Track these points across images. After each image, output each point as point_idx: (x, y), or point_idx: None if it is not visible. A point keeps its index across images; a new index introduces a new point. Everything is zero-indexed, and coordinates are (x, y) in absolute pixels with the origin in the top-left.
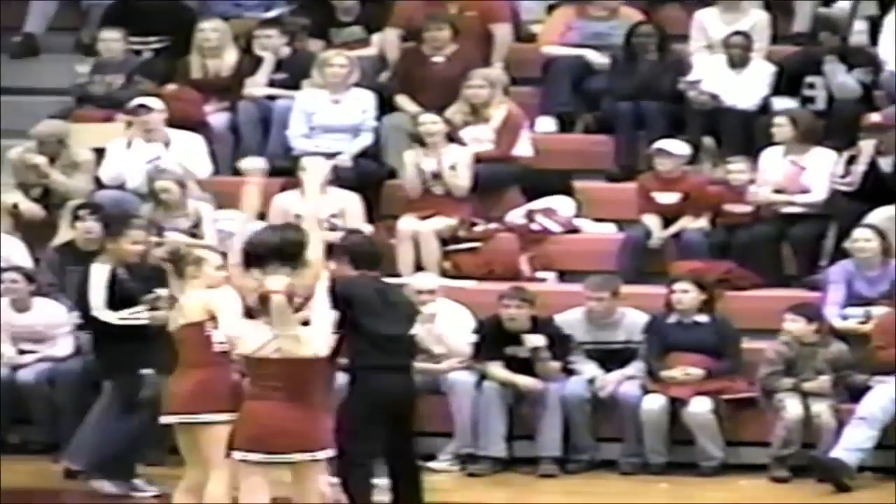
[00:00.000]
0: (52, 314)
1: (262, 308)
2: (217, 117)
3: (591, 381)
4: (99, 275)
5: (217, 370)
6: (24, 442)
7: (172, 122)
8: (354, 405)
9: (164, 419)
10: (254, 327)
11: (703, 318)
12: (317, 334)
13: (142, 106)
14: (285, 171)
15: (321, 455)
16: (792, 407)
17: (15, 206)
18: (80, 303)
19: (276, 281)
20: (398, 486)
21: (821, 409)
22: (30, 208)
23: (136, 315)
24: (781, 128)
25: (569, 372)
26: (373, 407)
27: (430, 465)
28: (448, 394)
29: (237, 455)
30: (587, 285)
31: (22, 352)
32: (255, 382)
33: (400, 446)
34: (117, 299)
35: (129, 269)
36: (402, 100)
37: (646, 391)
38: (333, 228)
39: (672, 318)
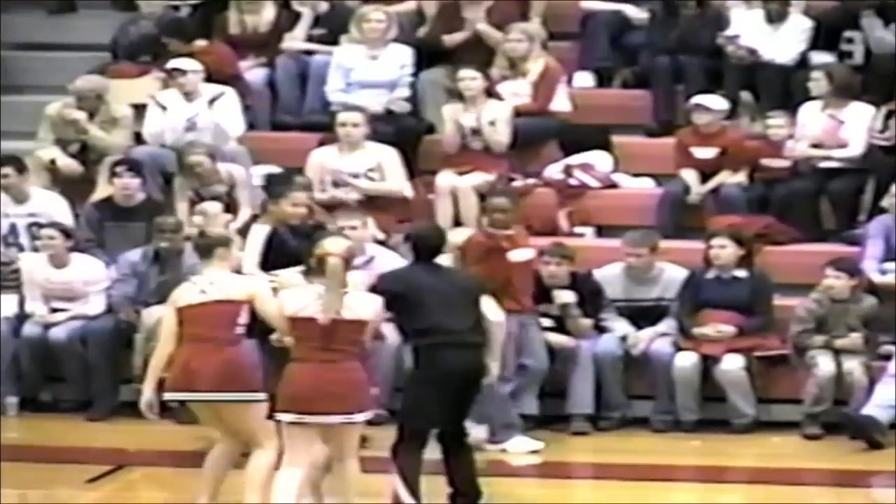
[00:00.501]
0: (89, 271)
1: (318, 269)
2: (255, 73)
3: (624, 339)
4: (257, 235)
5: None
6: (56, 400)
7: (206, 78)
8: (419, 380)
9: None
10: (301, 290)
11: (741, 273)
12: (362, 298)
13: (176, 69)
14: (323, 126)
15: (361, 417)
16: (824, 364)
17: (52, 161)
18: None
19: (337, 243)
20: (450, 461)
21: (852, 366)
22: (67, 164)
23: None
24: (818, 82)
25: (601, 329)
26: (437, 384)
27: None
28: None
29: (282, 416)
30: (626, 241)
31: (54, 310)
32: (299, 344)
33: (455, 422)
34: (278, 260)
35: (290, 229)
36: None
37: (678, 348)
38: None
39: (710, 274)
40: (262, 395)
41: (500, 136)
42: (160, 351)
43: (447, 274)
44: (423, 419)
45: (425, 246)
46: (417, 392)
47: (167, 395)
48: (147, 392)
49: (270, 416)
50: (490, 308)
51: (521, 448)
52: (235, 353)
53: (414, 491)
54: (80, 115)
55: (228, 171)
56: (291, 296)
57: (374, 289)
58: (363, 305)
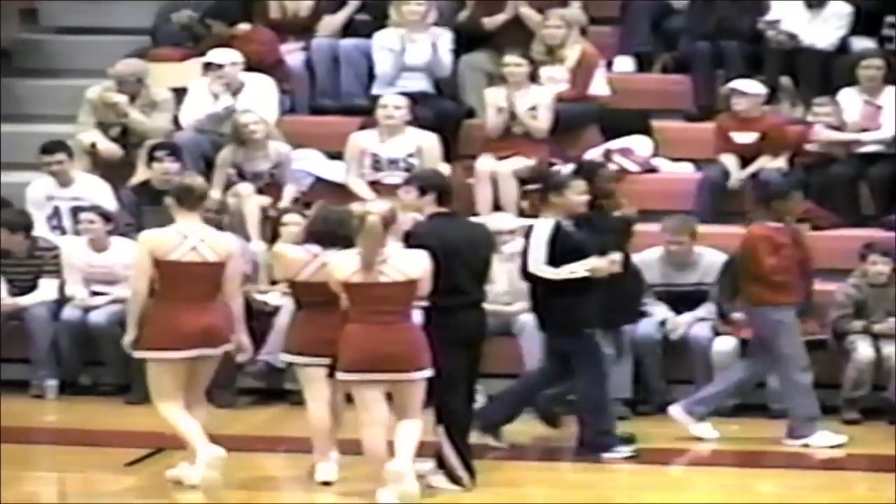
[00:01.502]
0: (129, 254)
1: (360, 229)
2: (294, 57)
3: (662, 324)
4: (543, 229)
5: None
6: (95, 383)
7: (247, 64)
8: (437, 339)
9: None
10: (350, 254)
11: None
12: (410, 257)
13: (211, 64)
14: (361, 110)
15: (420, 375)
16: (863, 349)
17: (93, 145)
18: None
19: (378, 204)
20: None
21: (891, 351)
22: (108, 147)
23: (578, 270)
24: (878, 70)
25: (640, 314)
26: (452, 342)
27: None
28: (518, 336)
29: (347, 377)
30: (666, 227)
31: (94, 294)
32: (355, 308)
33: (470, 383)
34: (564, 253)
35: (575, 221)
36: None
37: (717, 333)
38: (409, 168)
39: None
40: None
41: (541, 122)
42: (141, 296)
43: (469, 228)
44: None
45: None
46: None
47: (159, 355)
48: (131, 334)
49: (331, 376)
50: None
51: (824, 442)
52: (221, 309)
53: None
54: (121, 99)
55: (276, 148)
56: (343, 261)
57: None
58: (412, 264)
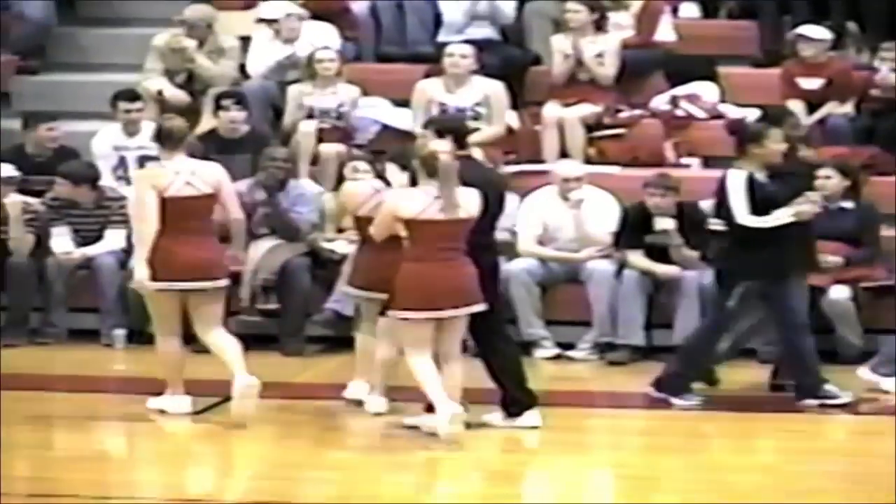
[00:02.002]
0: None
1: (427, 168)
2: (359, 4)
3: None
4: (737, 180)
5: None
6: None
7: (313, 12)
8: None
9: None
10: (416, 192)
11: (848, 203)
12: (469, 195)
13: (273, 20)
14: (427, 57)
15: (476, 309)
16: None
17: (160, 92)
18: (719, 209)
19: (442, 143)
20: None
21: None
22: (175, 94)
23: (784, 217)
24: None
25: (708, 260)
26: None
27: (570, 353)
28: (587, 283)
29: (405, 315)
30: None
31: None
32: (418, 245)
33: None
34: (759, 202)
35: (770, 171)
36: None
37: None
38: (477, 117)
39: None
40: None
41: (608, 69)
42: (150, 231)
43: (485, 172)
44: None
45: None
46: None
47: (160, 285)
48: (143, 271)
49: (383, 314)
50: None
51: None
52: (216, 244)
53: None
54: (190, 44)
55: (346, 90)
56: (408, 199)
57: None
58: (472, 202)
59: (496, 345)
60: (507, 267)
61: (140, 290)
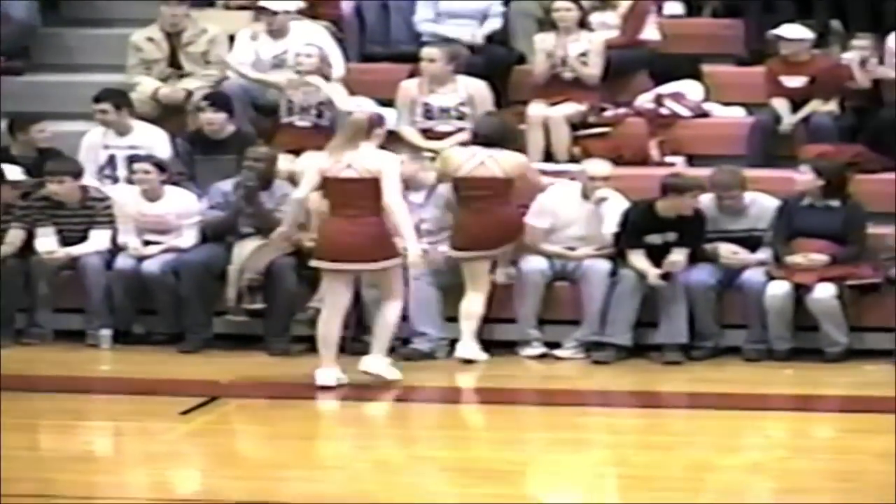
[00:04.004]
0: (182, 204)
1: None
2: (344, 4)
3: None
4: None
5: None
6: (149, 332)
7: (307, 13)
8: None
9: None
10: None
11: (834, 202)
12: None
13: (264, 9)
14: (412, 56)
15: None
16: None
17: (155, 92)
18: None
19: None
20: None
21: None
22: (167, 94)
23: None
24: None
25: (700, 259)
26: None
27: (556, 352)
28: (581, 281)
29: (465, 255)
30: (715, 184)
31: (147, 243)
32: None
33: None
34: None
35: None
36: None
37: (770, 277)
38: (462, 117)
39: (804, 202)
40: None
41: (592, 68)
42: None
43: None
44: None
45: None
46: None
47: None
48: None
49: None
50: None
51: None
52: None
53: None
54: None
55: (330, 88)
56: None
57: None
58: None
59: None
60: (521, 265)
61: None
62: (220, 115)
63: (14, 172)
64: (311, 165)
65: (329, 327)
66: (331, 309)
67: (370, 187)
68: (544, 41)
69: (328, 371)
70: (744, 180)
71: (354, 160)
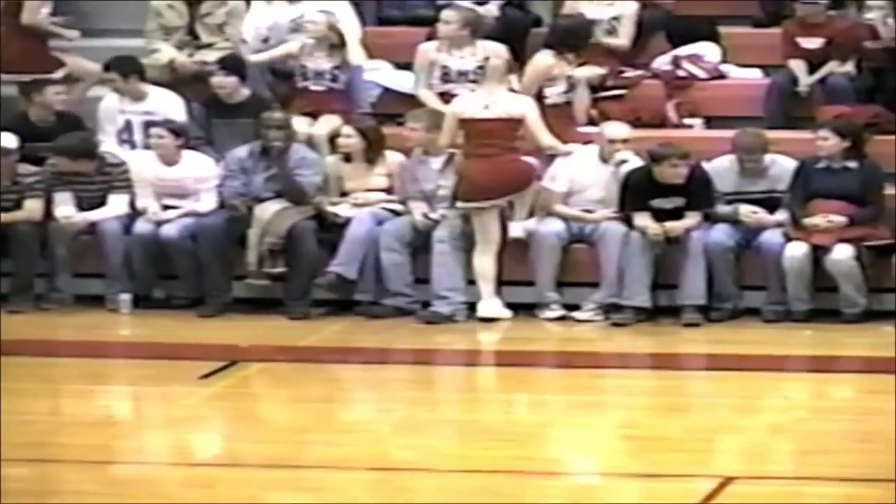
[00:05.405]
0: (199, 168)
1: None
2: None
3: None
4: None
5: None
6: (168, 297)
7: None
8: None
9: None
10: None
11: (851, 163)
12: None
13: None
14: (429, 19)
15: None
16: None
17: (171, 61)
18: None
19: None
20: None
21: None
22: (183, 64)
23: None
24: None
25: (713, 220)
26: None
27: (575, 314)
28: (598, 243)
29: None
30: (739, 146)
31: (165, 207)
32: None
33: None
34: None
35: None
36: None
37: (789, 239)
38: (479, 80)
39: (821, 164)
40: None
41: (622, 38)
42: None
43: None
44: None
45: None
46: None
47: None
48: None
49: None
50: None
51: None
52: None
53: None
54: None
55: (344, 54)
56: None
57: None
58: None
59: None
60: (537, 227)
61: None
62: (231, 79)
63: (8, 140)
64: (448, 112)
65: (483, 262)
66: (482, 245)
67: (508, 127)
68: (574, 7)
69: (488, 303)
70: (767, 142)
71: (492, 103)
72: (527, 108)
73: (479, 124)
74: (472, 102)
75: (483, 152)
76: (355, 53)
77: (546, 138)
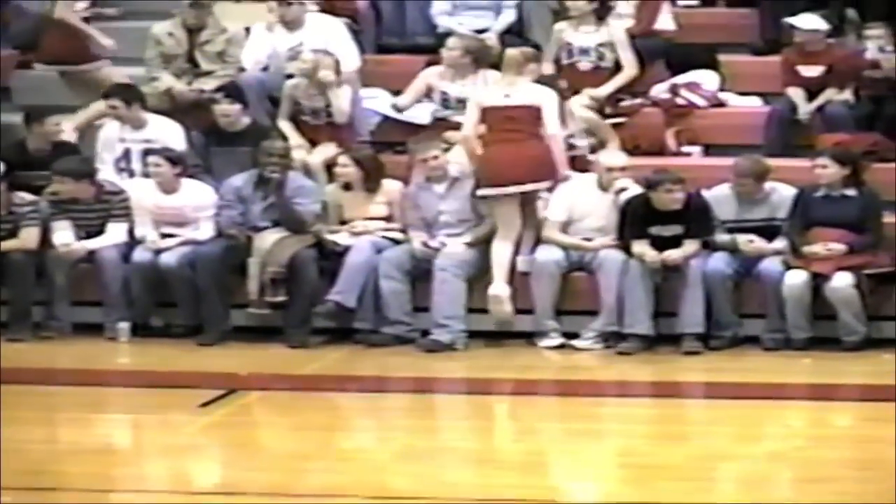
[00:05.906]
0: (198, 196)
1: None
2: None
3: (734, 251)
4: None
5: None
6: (167, 325)
7: (322, 5)
8: None
9: None
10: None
11: (850, 191)
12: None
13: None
14: (428, 48)
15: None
16: None
17: (169, 90)
18: None
19: None
20: None
21: None
22: (181, 92)
23: None
24: None
25: (712, 248)
26: None
27: (574, 343)
28: (597, 271)
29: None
30: (738, 173)
31: (164, 235)
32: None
33: None
34: None
35: None
36: None
37: (788, 267)
38: None
39: (820, 192)
40: None
41: (628, 65)
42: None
43: None
44: None
45: None
46: None
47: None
48: None
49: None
50: None
51: None
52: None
53: None
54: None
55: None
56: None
57: None
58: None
59: None
60: (536, 256)
61: None
62: (235, 107)
63: None
64: (470, 102)
65: (500, 249)
66: (501, 232)
67: (529, 114)
68: (561, 31)
69: (499, 284)
70: (766, 169)
71: (512, 91)
72: (546, 99)
73: (500, 111)
74: (493, 92)
75: (505, 137)
76: (343, 97)
77: (553, 126)
